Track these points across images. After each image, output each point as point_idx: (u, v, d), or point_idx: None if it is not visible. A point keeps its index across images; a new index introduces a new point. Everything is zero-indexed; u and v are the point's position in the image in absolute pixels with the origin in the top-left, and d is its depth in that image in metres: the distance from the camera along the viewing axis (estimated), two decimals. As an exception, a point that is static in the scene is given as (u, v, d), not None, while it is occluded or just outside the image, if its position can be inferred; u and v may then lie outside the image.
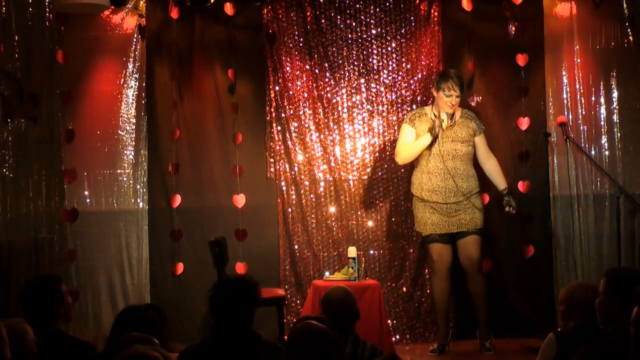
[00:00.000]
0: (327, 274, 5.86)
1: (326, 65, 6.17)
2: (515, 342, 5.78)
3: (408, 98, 6.18)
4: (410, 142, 5.57)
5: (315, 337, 2.84)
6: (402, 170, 6.09)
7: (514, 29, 5.99)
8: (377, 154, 6.16)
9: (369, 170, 6.14)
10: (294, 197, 6.14)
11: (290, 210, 6.13)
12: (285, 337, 4.59)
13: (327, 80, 6.17)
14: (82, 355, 3.32)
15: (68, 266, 5.78)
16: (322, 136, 6.16)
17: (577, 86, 6.04)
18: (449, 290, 5.65)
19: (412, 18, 6.19)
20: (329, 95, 6.17)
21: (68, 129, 5.84)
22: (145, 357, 2.45)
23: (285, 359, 2.87)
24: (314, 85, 6.16)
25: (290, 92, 6.15)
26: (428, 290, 6.06)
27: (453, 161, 5.53)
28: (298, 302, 6.02)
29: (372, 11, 6.18)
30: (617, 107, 5.95)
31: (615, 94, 5.95)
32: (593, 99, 6.01)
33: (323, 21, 6.17)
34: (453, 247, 5.62)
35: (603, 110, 5.99)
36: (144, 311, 3.26)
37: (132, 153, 6.03)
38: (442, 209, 5.54)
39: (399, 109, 6.16)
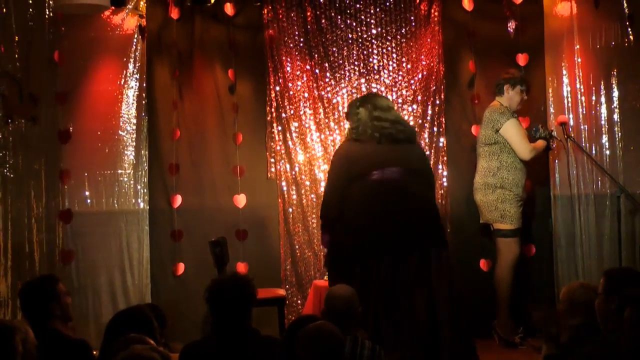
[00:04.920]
0: (328, 273, 5.86)
1: (326, 65, 6.16)
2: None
3: (408, 98, 6.18)
4: (534, 144, 5.67)
5: (328, 337, 2.85)
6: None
7: (513, 28, 5.98)
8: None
9: (369, 170, 6.13)
10: (294, 197, 6.13)
11: (290, 210, 6.13)
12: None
13: (327, 80, 6.17)
14: (77, 354, 3.33)
15: (68, 266, 5.78)
16: (322, 136, 6.16)
17: (578, 85, 6.03)
18: None
19: (412, 18, 6.19)
20: (329, 95, 6.17)
21: (67, 129, 5.85)
22: (143, 357, 2.46)
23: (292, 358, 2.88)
24: (315, 85, 6.16)
25: (291, 92, 6.14)
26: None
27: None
28: (299, 302, 6.02)
29: (372, 11, 6.18)
30: (618, 106, 5.92)
31: (615, 93, 5.92)
32: (593, 98, 5.99)
33: (323, 21, 6.17)
34: None
35: (604, 109, 5.96)
36: (136, 313, 3.23)
37: (133, 153, 6.02)
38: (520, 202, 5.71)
39: (400, 109, 6.14)
